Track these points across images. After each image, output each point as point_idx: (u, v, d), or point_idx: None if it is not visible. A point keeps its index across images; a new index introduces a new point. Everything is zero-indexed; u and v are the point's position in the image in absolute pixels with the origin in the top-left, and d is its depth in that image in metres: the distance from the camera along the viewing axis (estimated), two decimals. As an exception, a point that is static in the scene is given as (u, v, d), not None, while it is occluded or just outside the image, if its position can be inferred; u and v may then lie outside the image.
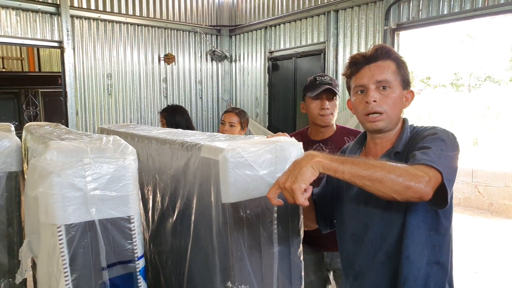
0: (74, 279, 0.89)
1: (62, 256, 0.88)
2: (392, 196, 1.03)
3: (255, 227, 0.99)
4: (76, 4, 4.86)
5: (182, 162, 1.13)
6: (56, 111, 8.15)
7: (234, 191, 0.93)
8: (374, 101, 1.26)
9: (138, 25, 5.55)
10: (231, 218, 0.95)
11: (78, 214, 0.88)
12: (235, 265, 0.96)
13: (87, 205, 0.88)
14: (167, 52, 5.96)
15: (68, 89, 4.80)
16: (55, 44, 4.75)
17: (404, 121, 1.36)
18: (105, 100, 5.26)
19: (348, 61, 1.38)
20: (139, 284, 0.97)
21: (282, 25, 5.77)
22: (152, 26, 5.72)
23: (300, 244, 1.09)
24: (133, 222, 0.95)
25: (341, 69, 4.94)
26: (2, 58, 9.75)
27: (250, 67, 6.48)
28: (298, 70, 5.60)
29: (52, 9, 4.66)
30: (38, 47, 8.48)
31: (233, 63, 6.81)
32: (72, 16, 4.79)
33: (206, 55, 6.48)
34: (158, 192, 1.35)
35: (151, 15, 5.69)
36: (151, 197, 1.43)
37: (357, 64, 1.33)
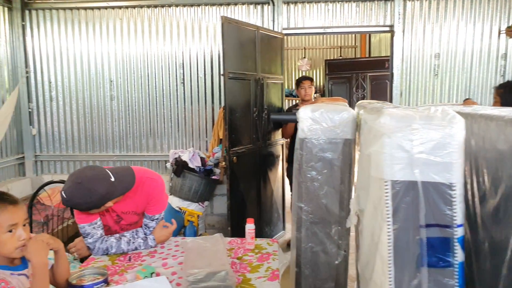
0: (395, 229, 1.01)
1: (386, 207, 1.01)
2: None
3: None
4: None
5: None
6: (381, 93, 8.86)
7: None
8: None
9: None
10: None
11: (403, 173, 0.98)
12: None
13: (411, 166, 0.97)
14: (510, 23, 5.17)
15: (394, 71, 5.06)
16: (386, 29, 5.08)
17: None
18: (431, 81, 5.19)
19: None
20: (456, 251, 0.98)
21: None
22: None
23: None
24: (454, 190, 0.97)
25: None
26: (340, 47, 11.36)
27: None
28: None
29: (387, -5, 4.98)
30: (371, 33, 9.33)
31: None
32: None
33: None
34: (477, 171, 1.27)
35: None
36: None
37: None
